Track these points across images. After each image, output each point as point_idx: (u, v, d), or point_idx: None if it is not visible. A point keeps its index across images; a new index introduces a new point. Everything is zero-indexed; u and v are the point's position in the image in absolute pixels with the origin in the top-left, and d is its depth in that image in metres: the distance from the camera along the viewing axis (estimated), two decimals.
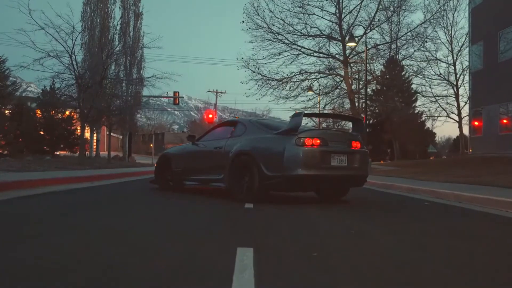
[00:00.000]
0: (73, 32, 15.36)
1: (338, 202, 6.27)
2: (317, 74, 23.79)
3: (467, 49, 30.50)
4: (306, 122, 27.43)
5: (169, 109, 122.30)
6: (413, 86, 33.25)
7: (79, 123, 25.51)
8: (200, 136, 7.65)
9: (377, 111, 36.44)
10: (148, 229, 3.50)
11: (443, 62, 30.91)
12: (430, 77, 30.06)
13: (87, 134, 30.03)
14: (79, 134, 27.56)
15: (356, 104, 24.40)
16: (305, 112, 5.44)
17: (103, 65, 15.66)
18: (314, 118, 28.38)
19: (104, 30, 22.62)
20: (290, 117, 6.08)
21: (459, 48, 31.56)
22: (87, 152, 28.96)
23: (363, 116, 23.04)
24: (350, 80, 23.60)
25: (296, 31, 22.85)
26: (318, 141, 5.56)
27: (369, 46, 22.34)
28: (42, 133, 26.25)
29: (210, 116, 38.99)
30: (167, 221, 4.04)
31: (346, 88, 25.28)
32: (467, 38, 29.69)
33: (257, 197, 5.68)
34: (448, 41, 31.43)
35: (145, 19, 63.56)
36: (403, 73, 34.06)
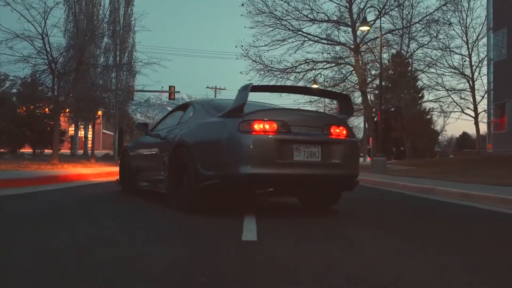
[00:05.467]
0: (45, 11, 13.23)
1: (412, 228, 4.07)
2: (325, 63, 21.55)
3: (483, 39, 28.41)
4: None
5: (169, 108, 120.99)
6: (424, 80, 30.70)
7: (63, 118, 23.39)
8: (155, 124, 6.06)
9: (383, 107, 34.06)
10: None
11: (457, 54, 28.51)
12: (442, 70, 27.75)
13: (72, 131, 27.89)
14: (63, 130, 25.42)
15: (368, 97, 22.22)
16: (254, 85, 3.87)
17: (80, 48, 13.48)
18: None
19: (90, 14, 20.33)
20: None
21: (474, 39, 29.20)
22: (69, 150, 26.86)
23: (376, 109, 20.86)
24: (361, 70, 21.30)
25: (302, 15, 20.63)
26: (275, 125, 3.84)
27: (382, 32, 20.05)
28: (24, 129, 24.16)
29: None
30: None
31: (354, 80, 23.09)
32: (484, 27, 27.48)
33: (190, 204, 4.09)
34: (462, 31, 29.10)
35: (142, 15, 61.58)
36: (410, 68, 31.78)
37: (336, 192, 4.63)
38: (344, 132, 4.26)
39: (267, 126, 3.82)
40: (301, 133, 4.00)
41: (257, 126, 3.80)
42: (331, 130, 4.19)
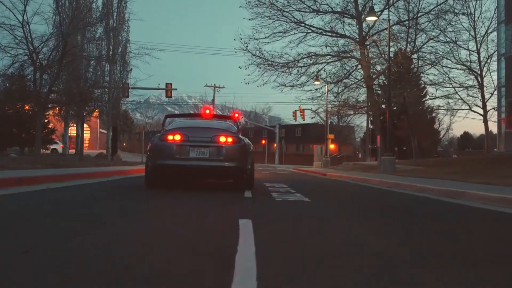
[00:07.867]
0: None
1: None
2: (328, 57, 20.40)
3: (492, 34, 27.25)
4: None
5: (169, 108, 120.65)
6: (431, 77, 29.38)
7: (52, 117, 22.26)
8: None
9: (384, 106, 32.85)
10: None
11: (464, 49, 27.22)
12: (448, 66, 26.50)
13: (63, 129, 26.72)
14: (52, 128, 24.29)
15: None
16: (168, 114, 8.35)
17: (63, 37, 12.35)
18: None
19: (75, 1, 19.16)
20: None
21: (482, 34, 27.91)
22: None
23: (384, 106, 19.79)
24: (367, 64, 20.13)
25: (304, 6, 19.49)
26: (179, 136, 6.52)
27: (387, 25, 18.93)
28: (13, 128, 23.02)
29: (208, 112, 35.78)
30: None
31: (358, 76, 21.99)
32: (494, 22, 26.32)
33: (146, 183, 6.86)
34: (470, 25, 27.80)
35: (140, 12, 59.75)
36: (416, 63, 30.61)
37: (227, 178, 7.16)
38: (231, 140, 6.61)
39: (174, 137, 6.52)
40: (195, 141, 6.54)
41: (169, 137, 6.54)
42: (218, 139, 6.58)
